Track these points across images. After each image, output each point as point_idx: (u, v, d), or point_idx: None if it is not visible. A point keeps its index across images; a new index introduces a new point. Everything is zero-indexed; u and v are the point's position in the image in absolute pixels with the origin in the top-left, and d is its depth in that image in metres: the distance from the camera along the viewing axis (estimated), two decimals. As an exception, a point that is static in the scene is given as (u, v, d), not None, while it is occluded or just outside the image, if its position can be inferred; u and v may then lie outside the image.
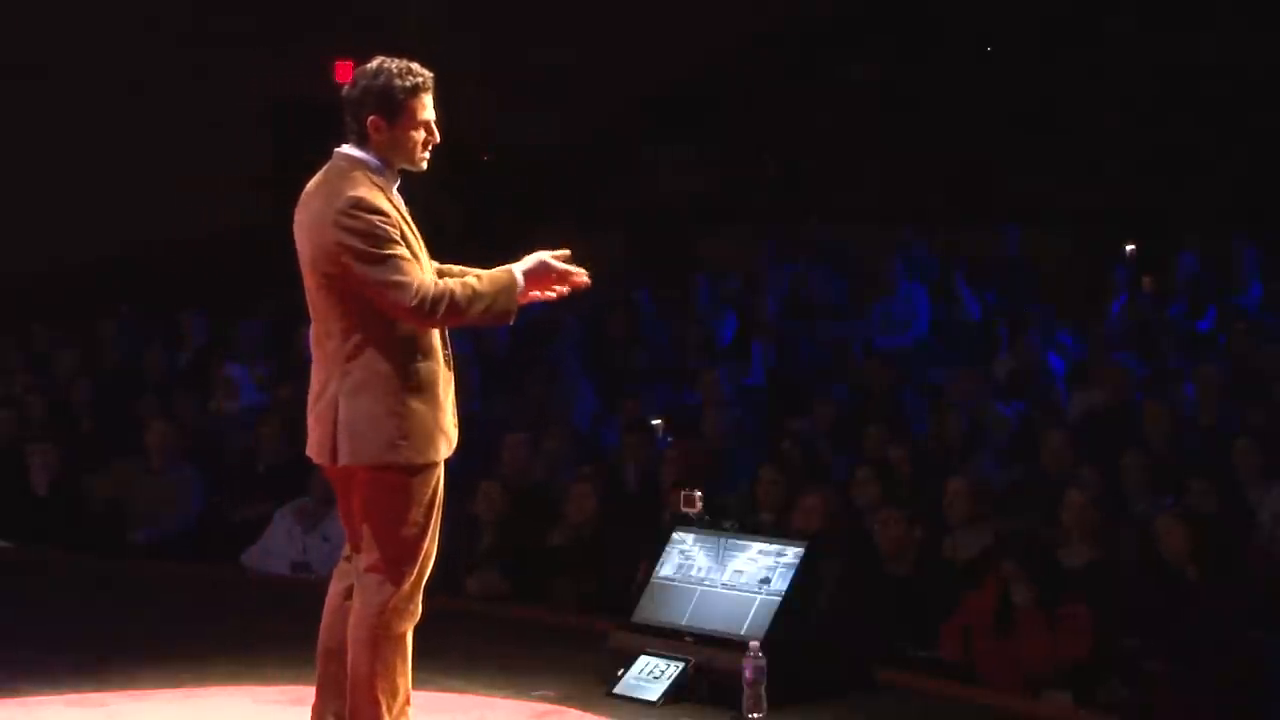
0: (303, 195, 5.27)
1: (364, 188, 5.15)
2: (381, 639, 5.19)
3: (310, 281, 5.22)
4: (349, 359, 5.16)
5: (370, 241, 5.10)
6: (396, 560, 5.19)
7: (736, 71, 16.38)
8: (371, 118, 5.20)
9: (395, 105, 5.20)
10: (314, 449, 5.27)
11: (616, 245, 15.16)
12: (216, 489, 10.30)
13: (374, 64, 5.25)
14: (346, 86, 5.27)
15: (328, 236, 5.12)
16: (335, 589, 5.36)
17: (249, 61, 15.03)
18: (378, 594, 5.19)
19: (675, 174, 15.84)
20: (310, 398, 5.27)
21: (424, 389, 5.19)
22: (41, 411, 11.41)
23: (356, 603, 5.23)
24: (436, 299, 5.11)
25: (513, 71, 16.03)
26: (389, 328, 5.16)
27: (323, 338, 5.22)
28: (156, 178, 14.41)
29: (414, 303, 5.08)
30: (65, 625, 7.84)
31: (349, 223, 5.10)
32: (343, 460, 5.16)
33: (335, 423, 5.15)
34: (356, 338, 5.15)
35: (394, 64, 5.22)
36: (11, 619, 7.96)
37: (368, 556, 5.22)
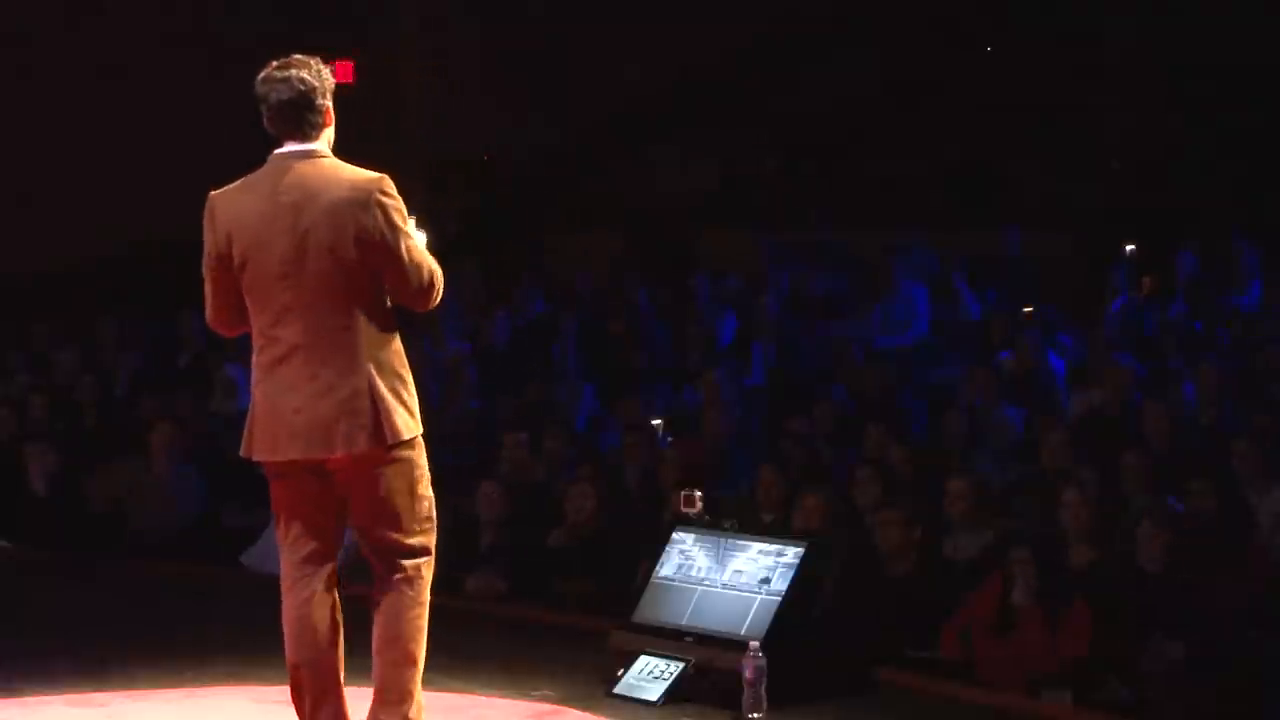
0: (271, 195, 5.24)
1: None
2: (423, 616, 5.35)
3: (311, 279, 5.19)
4: (371, 345, 5.24)
5: (402, 219, 5.26)
6: (421, 531, 5.34)
7: (737, 70, 16.38)
8: (330, 107, 5.35)
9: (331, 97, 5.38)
10: (325, 444, 5.21)
11: (616, 245, 15.17)
12: (217, 489, 10.30)
13: (300, 58, 5.36)
14: (294, 81, 5.29)
15: (363, 218, 5.18)
16: (299, 599, 5.31)
17: (249, 62, 15.02)
18: (414, 573, 5.33)
19: (675, 174, 15.84)
20: (309, 393, 5.21)
21: (408, 365, 5.38)
22: (41, 411, 11.42)
23: (394, 590, 5.31)
24: (439, 277, 5.34)
25: (512, 71, 16.03)
26: (386, 309, 5.30)
27: (331, 329, 5.21)
28: (156, 178, 14.39)
29: (430, 279, 5.30)
30: (65, 625, 7.84)
31: (388, 201, 5.24)
32: (390, 440, 5.21)
33: (374, 407, 5.20)
34: (373, 323, 5.24)
35: (311, 57, 5.39)
36: (11, 619, 7.96)
37: (390, 540, 5.31)
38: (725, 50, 16.43)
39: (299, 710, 5.40)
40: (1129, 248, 13.01)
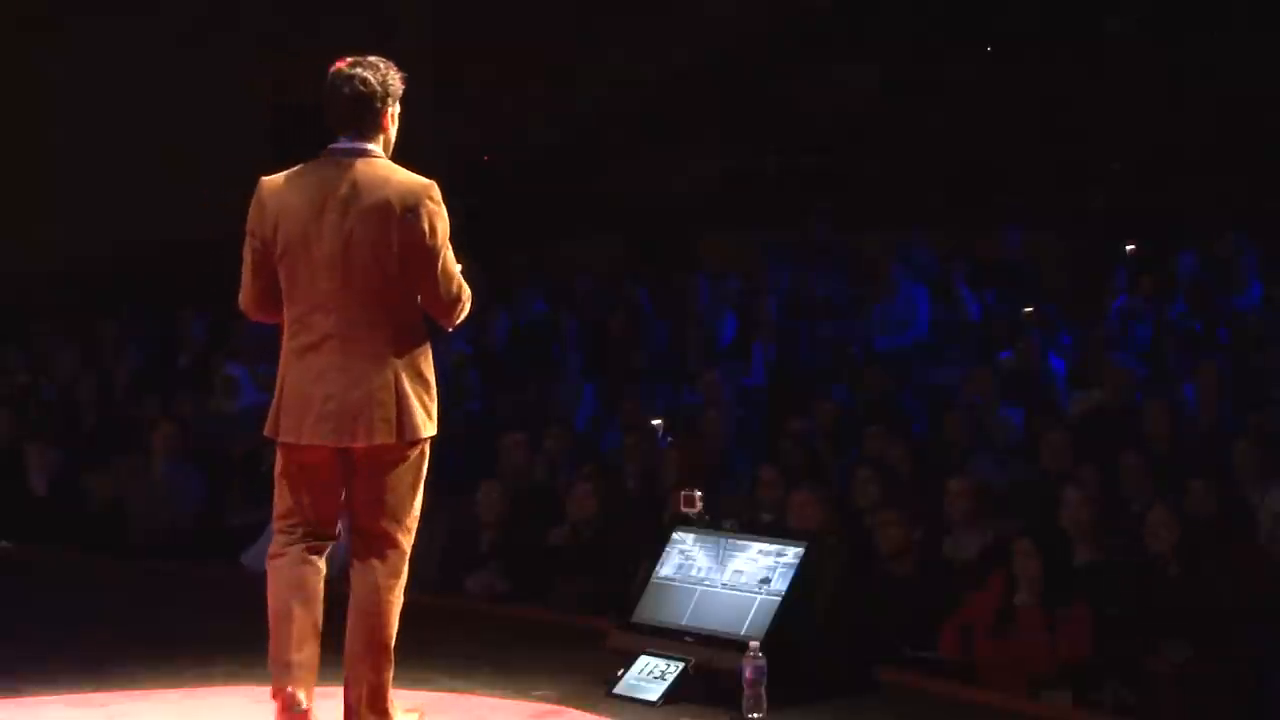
0: (322, 189, 5.33)
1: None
2: (397, 604, 5.43)
3: (353, 274, 5.29)
4: (401, 343, 5.36)
5: (445, 226, 5.38)
6: (409, 528, 5.46)
7: (737, 70, 16.38)
8: (392, 110, 5.44)
9: (398, 101, 5.45)
10: (350, 433, 5.32)
11: (616, 245, 15.16)
12: (217, 489, 10.30)
13: (373, 60, 5.44)
14: (356, 81, 5.38)
15: (410, 220, 5.30)
16: (292, 560, 5.37)
17: (250, 63, 15.03)
18: (398, 562, 5.44)
19: (675, 174, 15.84)
20: (339, 383, 5.31)
21: (433, 370, 5.47)
22: (41, 411, 11.41)
23: (373, 573, 5.40)
24: (467, 294, 5.48)
25: (512, 71, 16.03)
26: (417, 312, 5.42)
27: (365, 324, 5.33)
28: (157, 178, 14.41)
29: (459, 293, 5.43)
30: (65, 625, 7.83)
31: (435, 208, 5.36)
32: (408, 437, 5.34)
33: (398, 403, 5.33)
34: (405, 322, 5.38)
35: (385, 60, 5.46)
36: (11, 619, 7.95)
37: (382, 528, 5.41)
38: (726, 50, 16.44)
39: (283, 656, 5.35)
40: (1129, 248, 13.01)
